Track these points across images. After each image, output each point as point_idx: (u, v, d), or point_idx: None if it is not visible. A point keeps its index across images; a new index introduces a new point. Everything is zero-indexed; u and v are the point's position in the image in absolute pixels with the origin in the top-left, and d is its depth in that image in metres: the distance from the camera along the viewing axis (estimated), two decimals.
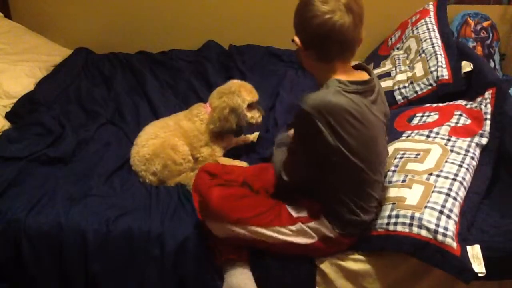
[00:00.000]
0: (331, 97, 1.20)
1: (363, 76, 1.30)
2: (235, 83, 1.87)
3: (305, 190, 1.39)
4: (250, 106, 1.84)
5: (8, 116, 2.12)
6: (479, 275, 1.28)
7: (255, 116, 1.86)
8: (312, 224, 1.35)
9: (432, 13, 2.31)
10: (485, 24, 2.69)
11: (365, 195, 1.34)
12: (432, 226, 1.31)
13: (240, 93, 1.81)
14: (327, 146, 1.22)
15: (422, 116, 1.73)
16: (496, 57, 2.70)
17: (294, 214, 1.36)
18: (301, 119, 1.24)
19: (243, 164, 1.82)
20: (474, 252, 1.31)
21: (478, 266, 1.28)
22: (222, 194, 1.34)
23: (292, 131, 1.41)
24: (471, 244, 1.33)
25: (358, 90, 1.24)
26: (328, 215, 1.35)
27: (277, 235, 1.34)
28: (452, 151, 1.52)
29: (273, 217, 1.34)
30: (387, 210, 1.40)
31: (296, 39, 1.26)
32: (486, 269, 1.28)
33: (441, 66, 1.95)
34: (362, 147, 1.26)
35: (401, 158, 1.54)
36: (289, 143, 1.36)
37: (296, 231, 1.35)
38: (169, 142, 1.79)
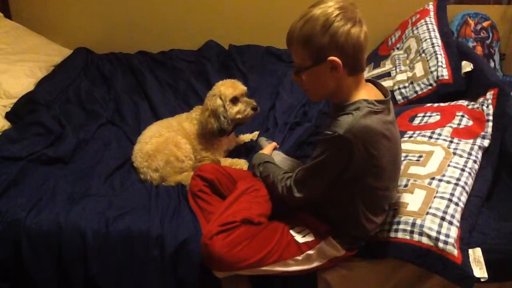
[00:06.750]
0: (365, 121, 1.17)
1: (375, 89, 1.30)
2: (217, 84, 1.85)
3: (309, 208, 1.36)
4: (235, 101, 1.80)
5: (8, 116, 2.12)
6: (481, 280, 1.27)
7: (241, 110, 1.80)
8: (320, 245, 1.32)
9: (432, 13, 2.31)
10: (485, 24, 2.69)
11: (379, 211, 1.33)
12: (433, 234, 1.30)
13: (221, 92, 1.79)
14: (358, 168, 1.20)
15: (424, 116, 1.72)
16: (496, 57, 2.70)
17: (300, 239, 1.33)
18: (335, 144, 1.18)
19: (243, 162, 1.83)
20: (476, 256, 1.30)
21: (480, 271, 1.27)
22: (225, 243, 1.25)
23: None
24: (472, 247, 1.32)
25: (384, 109, 1.23)
26: (337, 236, 1.33)
27: (283, 268, 1.31)
28: (455, 154, 1.51)
29: (281, 250, 1.30)
30: (389, 216, 1.39)
31: (337, 59, 1.19)
32: (487, 271, 1.27)
33: (441, 66, 1.94)
34: (391, 166, 1.27)
35: (403, 160, 1.52)
36: (310, 162, 1.26)
37: (302, 260, 1.32)
38: (173, 139, 1.80)
